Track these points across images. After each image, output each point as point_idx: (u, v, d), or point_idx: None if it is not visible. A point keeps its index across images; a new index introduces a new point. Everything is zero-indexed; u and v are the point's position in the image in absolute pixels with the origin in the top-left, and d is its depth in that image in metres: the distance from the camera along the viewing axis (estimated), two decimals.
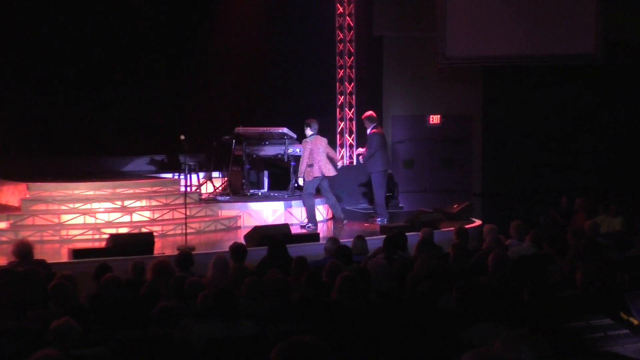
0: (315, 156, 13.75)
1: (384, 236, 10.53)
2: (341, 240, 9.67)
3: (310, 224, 13.78)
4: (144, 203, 13.72)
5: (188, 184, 14.35)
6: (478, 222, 14.64)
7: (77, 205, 13.22)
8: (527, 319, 5.51)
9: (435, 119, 18.69)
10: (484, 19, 17.61)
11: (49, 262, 9.17)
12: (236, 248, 8.74)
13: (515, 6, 17.47)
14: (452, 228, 10.82)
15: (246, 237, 12.04)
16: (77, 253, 10.89)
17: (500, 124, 18.34)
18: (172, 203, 13.88)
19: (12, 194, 13.89)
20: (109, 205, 13.37)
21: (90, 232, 12.81)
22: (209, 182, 15.36)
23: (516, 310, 5.85)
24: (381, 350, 5.16)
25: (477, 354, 3.57)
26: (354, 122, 19.00)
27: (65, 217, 12.99)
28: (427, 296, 6.18)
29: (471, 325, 5.09)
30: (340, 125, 19.07)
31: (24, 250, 8.57)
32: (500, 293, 6.11)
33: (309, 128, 13.87)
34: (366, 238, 10.13)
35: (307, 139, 13.82)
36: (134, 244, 11.01)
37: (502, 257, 7.63)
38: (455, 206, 15.75)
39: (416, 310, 6.02)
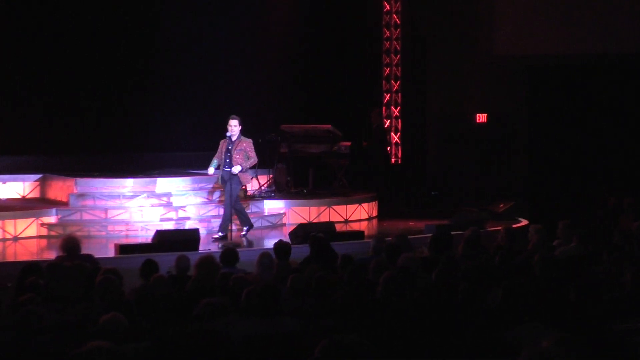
0: None
1: (429, 235, 10.50)
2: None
3: (247, 228, 12.60)
4: (190, 199, 13.81)
5: None
6: (524, 221, 14.51)
7: (123, 200, 13.36)
8: (572, 320, 5.45)
9: (481, 117, 18.55)
10: (531, 17, 17.47)
11: (95, 257, 9.27)
12: (281, 246, 8.76)
13: (563, 4, 17.29)
14: (498, 227, 10.74)
15: (291, 234, 12.07)
16: (123, 248, 11.01)
17: (546, 123, 18.14)
18: (217, 199, 13.95)
19: (60, 189, 14.07)
20: (155, 201, 13.49)
21: (137, 227, 12.93)
22: (254, 179, 15.41)
23: (562, 311, 5.79)
24: (425, 348, 5.14)
25: (533, 353, 3.54)
26: (399, 120, 18.95)
27: (112, 213, 13.12)
28: (472, 295, 6.13)
29: (516, 325, 5.04)
30: (386, 123, 19.02)
31: (71, 244, 8.67)
32: (546, 293, 6.05)
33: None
34: (412, 236, 10.09)
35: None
36: (179, 240, 11.09)
37: (548, 257, 7.56)
38: (501, 205, 15.62)
39: (460, 309, 5.98)
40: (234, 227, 12.48)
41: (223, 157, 12.28)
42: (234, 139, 12.26)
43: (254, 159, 12.41)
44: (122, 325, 5.19)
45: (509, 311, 5.50)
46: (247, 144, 12.35)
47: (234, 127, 12.21)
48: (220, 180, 12.50)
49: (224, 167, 12.29)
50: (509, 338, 4.89)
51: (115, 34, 16.37)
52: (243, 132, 12.39)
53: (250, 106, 16.84)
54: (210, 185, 14.25)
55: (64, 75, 15.96)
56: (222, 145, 12.36)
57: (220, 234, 12.28)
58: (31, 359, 5.11)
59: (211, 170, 12.44)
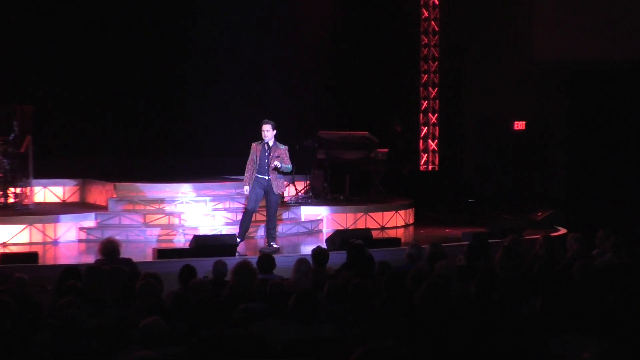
0: None
1: (466, 243, 10.44)
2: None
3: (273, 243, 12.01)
4: (227, 205, 13.87)
5: None
6: (563, 230, 14.38)
7: (162, 205, 13.45)
8: (614, 330, 5.39)
9: (520, 124, 18.43)
10: (570, 23, 17.33)
11: (134, 261, 9.32)
12: (319, 252, 8.76)
13: (602, 10, 17.14)
14: (537, 236, 10.65)
15: (327, 240, 12.06)
16: (161, 253, 11.08)
17: (585, 129, 17.98)
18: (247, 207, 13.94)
19: (99, 193, 14.19)
20: (193, 206, 13.56)
21: (175, 232, 13.01)
22: (291, 185, 15.44)
23: (603, 320, 5.72)
24: (462, 357, 5.11)
25: None
26: (437, 127, 18.88)
27: (150, 217, 13.21)
28: (510, 304, 6.09)
29: (557, 334, 4.99)
30: (423, 130, 18.97)
31: (110, 248, 8.72)
32: (586, 303, 5.98)
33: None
34: (449, 244, 10.04)
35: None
36: (217, 246, 11.14)
37: (587, 266, 7.48)
38: (539, 214, 15.50)
39: (499, 318, 5.94)
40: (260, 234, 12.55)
41: (258, 163, 11.75)
42: (270, 144, 11.76)
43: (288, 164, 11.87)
44: (162, 330, 5.22)
45: (549, 320, 5.45)
46: (284, 151, 11.81)
47: (266, 132, 11.68)
48: (250, 188, 11.82)
49: (261, 174, 11.76)
50: (550, 348, 4.84)
51: (154, 41, 16.54)
52: (278, 138, 11.94)
53: (288, 112, 16.89)
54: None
55: (105, 82, 16.13)
56: (256, 149, 11.76)
57: (274, 245, 11.85)
58: None
59: (247, 189, 11.84)
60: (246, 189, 11.85)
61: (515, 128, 18.48)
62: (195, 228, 12.94)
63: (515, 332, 5.43)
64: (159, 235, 12.90)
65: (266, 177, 11.76)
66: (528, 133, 18.36)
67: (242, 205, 13.88)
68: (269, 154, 11.72)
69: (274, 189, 11.82)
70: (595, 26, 17.21)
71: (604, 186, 17.60)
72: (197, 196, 13.81)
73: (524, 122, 18.43)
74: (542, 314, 5.58)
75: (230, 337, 5.13)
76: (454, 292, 7.06)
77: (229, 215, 13.60)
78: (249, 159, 11.83)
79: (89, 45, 16.05)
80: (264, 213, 12.36)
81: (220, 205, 13.79)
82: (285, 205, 14.50)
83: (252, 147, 11.86)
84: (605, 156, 17.79)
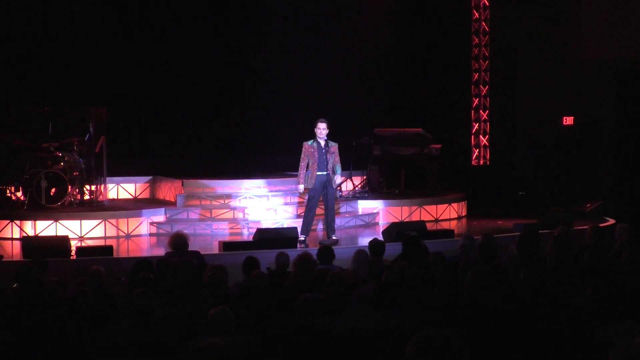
0: None
1: (517, 233, 10.31)
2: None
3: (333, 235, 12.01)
4: (288, 199, 13.91)
5: None
6: (611, 221, 14.13)
7: (226, 201, 13.54)
8: None
9: (568, 120, 18.15)
10: (619, 22, 17.01)
11: (201, 253, 9.40)
12: (376, 244, 8.74)
13: None
14: (585, 227, 10.49)
15: (384, 232, 12.02)
16: (227, 245, 11.16)
17: (634, 124, 17.63)
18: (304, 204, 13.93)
19: (169, 189, 14.35)
20: (256, 201, 13.63)
21: (239, 226, 13.09)
22: (349, 180, 15.43)
23: None
24: (516, 346, 5.05)
25: (624, 350, 3.43)
26: (488, 123, 18.71)
27: (216, 212, 13.31)
28: (561, 293, 6.00)
29: (607, 322, 4.91)
30: (475, 126, 18.81)
31: (179, 241, 8.81)
32: (636, 291, 5.88)
33: None
34: (501, 235, 9.94)
35: None
36: (279, 238, 11.19)
37: (635, 255, 7.34)
38: (588, 205, 15.26)
39: (550, 306, 5.86)
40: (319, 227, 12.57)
41: (317, 161, 11.61)
42: (323, 142, 11.67)
43: (339, 164, 11.81)
44: (229, 318, 5.25)
45: (600, 309, 5.36)
46: (336, 148, 11.71)
47: (323, 130, 11.58)
48: (309, 184, 11.68)
49: (321, 171, 11.58)
50: (601, 335, 4.76)
51: (219, 44, 16.66)
52: (334, 135, 11.91)
53: (345, 110, 16.86)
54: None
55: (172, 85, 16.28)
56: (310, 149, 11.61)
57: (333, 237, 11.80)
58: (145, 349, 5.21)
59: (302, 188, 11.79)
60: (301, 187, 11.78)
61: (564, 123, 18.20)
62: (258, 222, 13.00)
63: (567, 320, 5.36)
64: (225, 229, 12.99)
65: (325, 173, 11.63)
66: (576, 128, 18.08)
67: (303, 200, 13.90)
68: (325, 150, 11.64)
69: (332, 184, 11.78)
70: None
71: None
72: (260, 191, 13.88)
73: (572, 118, 18.14)
74: (592, 302, 5.49)
75: (294, 325, 5.14)
76: (512, 281, 6.98)
77: (290, 209, 13.64)
78: (303, 159, 11.69)
79: (158, 51, 16.20)
80: (321, 206, 12.32)
81: (281, 200, 13.83)
82: (344, 199, 14.50)
83: (304, 147, 11.70)
84: None
